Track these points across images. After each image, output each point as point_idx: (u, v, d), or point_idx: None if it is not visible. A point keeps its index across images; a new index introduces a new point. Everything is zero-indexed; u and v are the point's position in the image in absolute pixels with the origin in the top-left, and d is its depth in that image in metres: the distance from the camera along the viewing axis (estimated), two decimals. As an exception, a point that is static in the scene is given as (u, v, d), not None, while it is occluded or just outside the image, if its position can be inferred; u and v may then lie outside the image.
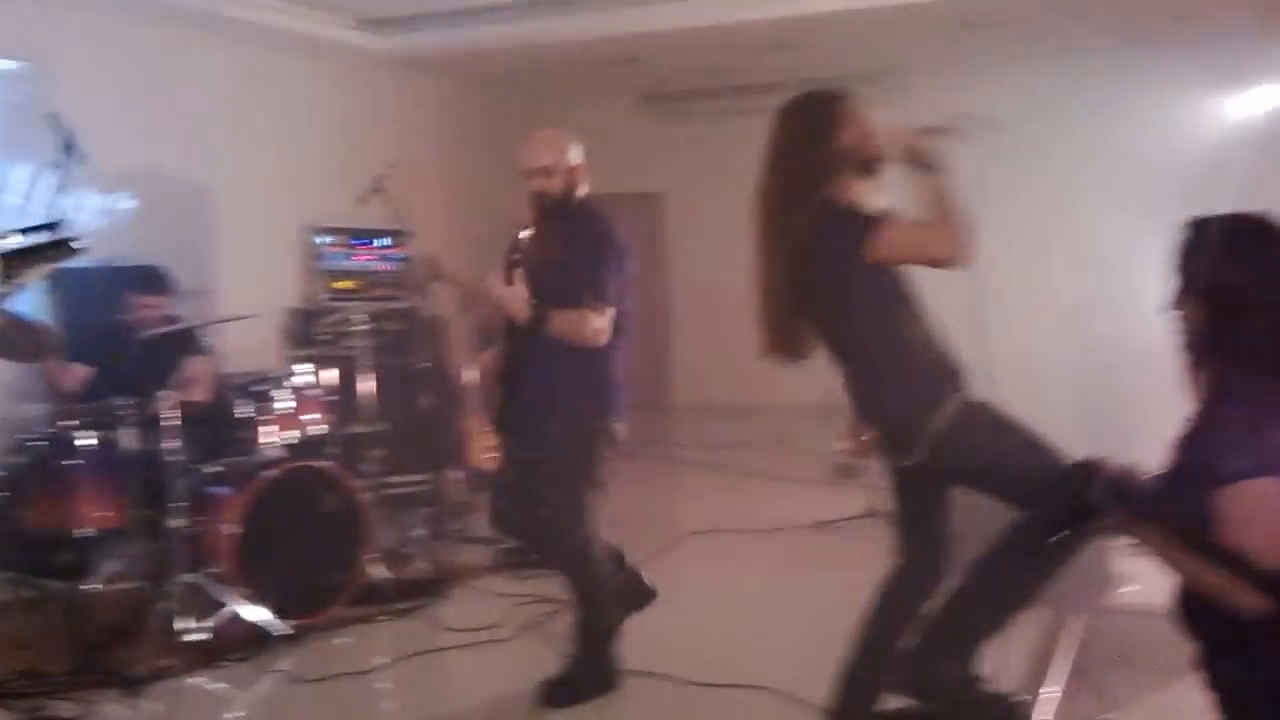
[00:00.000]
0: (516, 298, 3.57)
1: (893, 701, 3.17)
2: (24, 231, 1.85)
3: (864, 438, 3.19)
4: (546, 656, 4.18)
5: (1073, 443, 2.77)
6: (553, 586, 4.93)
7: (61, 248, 1.90)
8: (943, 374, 2.96)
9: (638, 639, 4.01)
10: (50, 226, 1.90)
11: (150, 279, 5.16)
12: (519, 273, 3.57)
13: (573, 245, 3.70)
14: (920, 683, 3.16)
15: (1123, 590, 4.02)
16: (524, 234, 3.73)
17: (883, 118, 3.19)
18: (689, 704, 3.78)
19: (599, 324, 3.62)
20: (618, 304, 3.69)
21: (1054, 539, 2.84)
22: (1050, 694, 3.51)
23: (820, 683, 3.34)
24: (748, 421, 8.81)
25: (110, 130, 5.45)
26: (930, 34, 7.78)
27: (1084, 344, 7.82)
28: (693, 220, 9.91)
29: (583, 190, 3.80)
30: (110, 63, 6.18)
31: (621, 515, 6.32)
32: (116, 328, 5.02)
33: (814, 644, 3.73)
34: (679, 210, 10.15)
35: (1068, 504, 2.56)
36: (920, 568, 3.21)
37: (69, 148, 4.25)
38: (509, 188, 9.15)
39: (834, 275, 2.96)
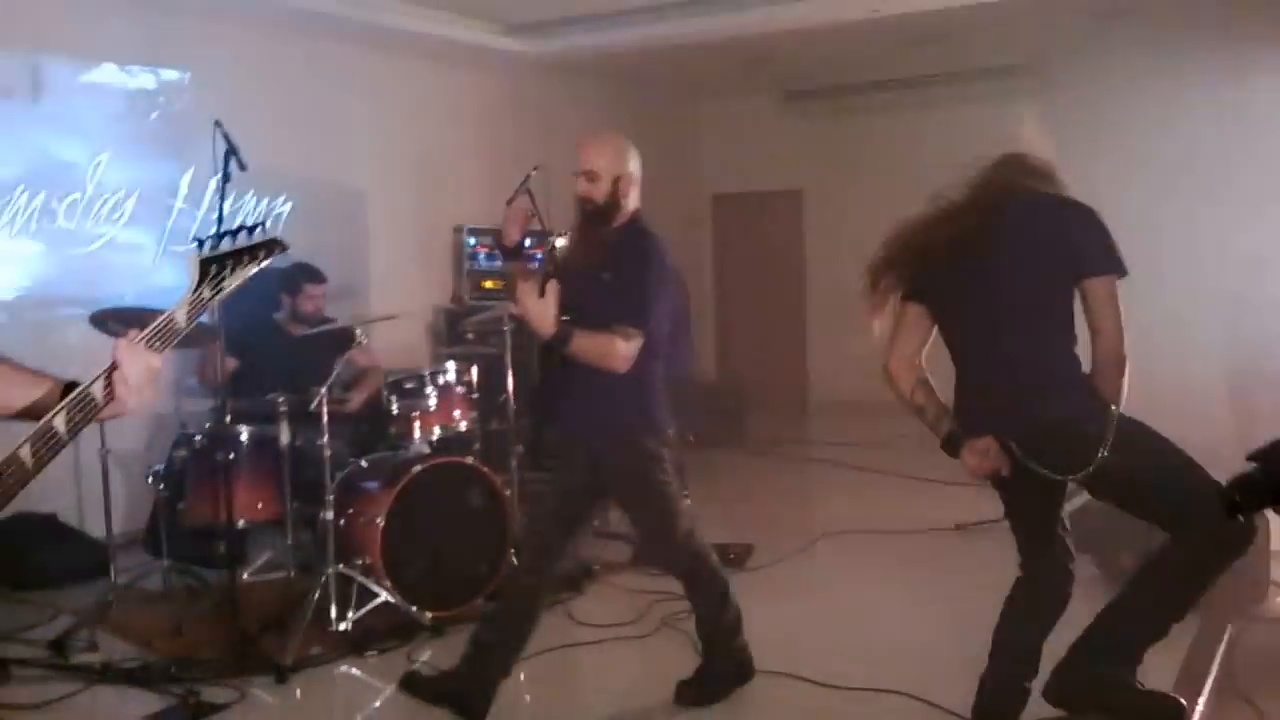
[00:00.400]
0: (544, 312, 3.25)
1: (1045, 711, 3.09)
2: (231, 234, 1.92)
3: (994, 447, 3.06)
4: (681, 654, 4.20)
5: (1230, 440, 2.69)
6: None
7: (270, 248, 1.96)
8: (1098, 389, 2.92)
9: (772, 639, 3.98)
10: (255, 228, 1.96)
11: (308, 272, 5.39)
12: (552, 284, 3.28)
13: (618, 261, 3.49)
14: (1076, 692, 3.09)
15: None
16: (560, 242, 3.67)
17: (1029, 111, 3.11)
18: (823, 706, 3.73)
19: (625, 351, 3.35)
20: (657, 329, 3.45)
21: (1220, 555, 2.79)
22: (1200, 703, 3.38)
23: (960, 690, 3.26)
24: (885, 421, 8.63)
25: (268, 136, 5.68)
26: (1078, 24, 7.51)
27: (1238, 339, 7.49)
28: (832, 217, 9.78)
29: (632, 202, 3.61)
30: (266, 71, 6.44)
31: (756, 515, 6.34)
32: (271, 325, 5.23)
33: (954, 650, 3.65)
34: (817, 208, 10.03)
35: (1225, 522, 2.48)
36: (1048, 575, 3.17)
37: (231, 154, 4.43)
38: (651, 188, 9.22)
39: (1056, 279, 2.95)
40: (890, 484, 7.03)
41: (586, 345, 3.34)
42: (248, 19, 6.25)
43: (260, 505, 4.69)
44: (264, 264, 1.96)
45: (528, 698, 4.09)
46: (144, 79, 6.00)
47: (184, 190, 6.09)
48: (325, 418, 4.46)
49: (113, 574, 4.72)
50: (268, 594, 4.69)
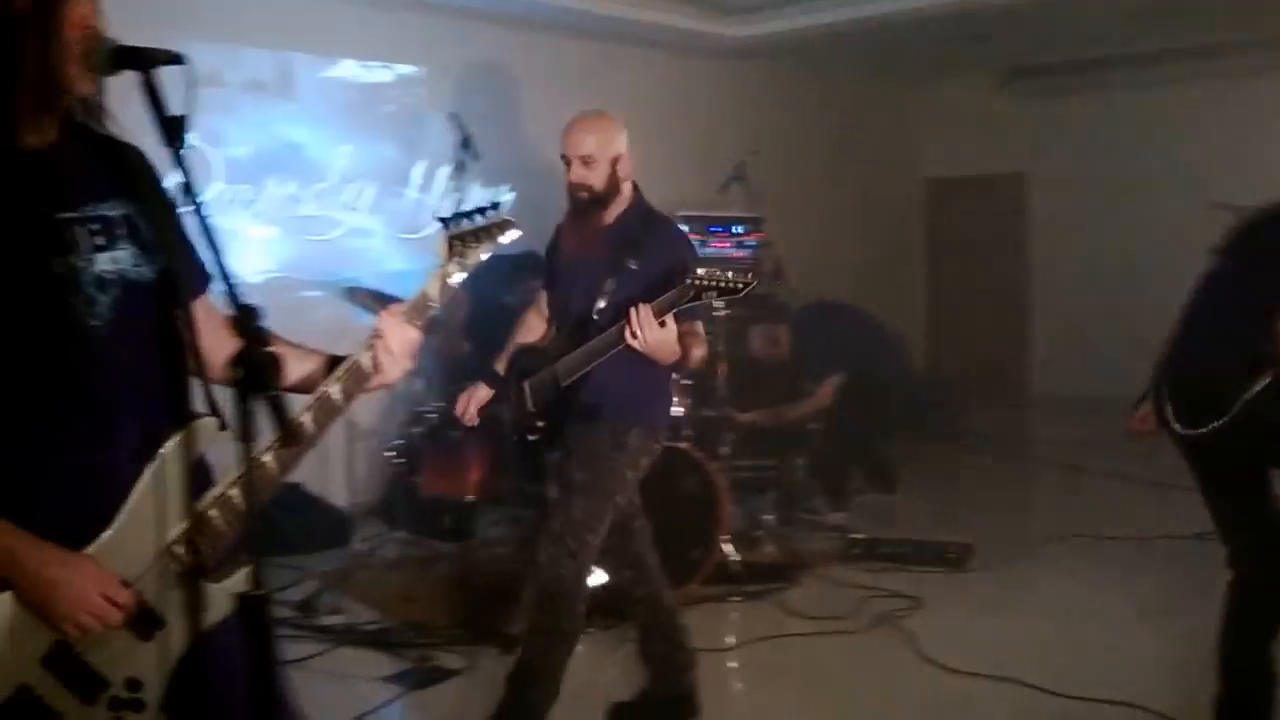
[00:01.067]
0: (667, 339, 3.01)
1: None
2: (470, 215, 2.05)
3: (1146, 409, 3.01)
4: (897, 651, 4.16)
5: None
6: (906, 581, 4.92)
7: (505, 228, 2.08)
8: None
9: (989, 642, 3.90)
10: (490, 208, 2.08)
11: (530, 260, 5.57)
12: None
13: (639, 247, 3.26)
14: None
15: None
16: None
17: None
18: (1041, 711, 3.63)
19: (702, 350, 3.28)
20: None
21: None
22: None
23: (1197, 706, 3.11)
24: (1116, 420, 8.24)
25: (491, 128, 5.90)
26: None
27: None
28: (1056, 202, 9.39)
29: (628, 185, 3.43)
30: (489, 65, 6.68)
31: (973, 515, 6.17)
32: (506, 310, 5.43)
33: (1190, 665, 3.48)
34: (1041, 192, 9.64)
35: None
36: (1258, 572, 2.98)
37: (466, 144, 4.61)
38: (862, 173, 9.07)
39: None
40: (1119, 488, 6.69)
41: (662, 337, 3.01)
42: (473, 15, 6.48)
43: (486, 481, 4.90)
44: (503, 241, 2.09)
45: (737, 685, 4.13)
46: (381, 74, 6.32)
47: (415, 180, 6.39)
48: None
49: (352, 542, 5.02)
50: (495, 566, 4.90)
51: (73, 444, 1.63)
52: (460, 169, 4.75)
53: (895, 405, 6.81)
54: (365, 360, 1.87)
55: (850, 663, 4.18)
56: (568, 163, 3.34)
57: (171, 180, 1.63)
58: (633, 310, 2.98)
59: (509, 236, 2.07)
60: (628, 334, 2.97)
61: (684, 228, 6.90)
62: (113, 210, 1.69)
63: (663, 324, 2.96)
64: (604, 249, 3.30)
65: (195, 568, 1.70)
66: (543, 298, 3.59)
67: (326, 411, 1.84)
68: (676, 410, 5.06)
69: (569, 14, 6.68)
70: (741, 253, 7.10)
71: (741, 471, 5.94)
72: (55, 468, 1.62)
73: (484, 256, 2.04)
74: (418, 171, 6.41)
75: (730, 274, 3.02)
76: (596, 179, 3.32)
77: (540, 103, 6.90)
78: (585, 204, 3.33)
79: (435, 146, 6.27)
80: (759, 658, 4.23)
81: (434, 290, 1.98)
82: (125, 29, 5.04)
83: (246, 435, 1.55)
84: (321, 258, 5.99)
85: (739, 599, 4.77)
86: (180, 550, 1.69)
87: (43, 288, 1.59)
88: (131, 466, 1.67)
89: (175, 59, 1.61)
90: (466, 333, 4.93)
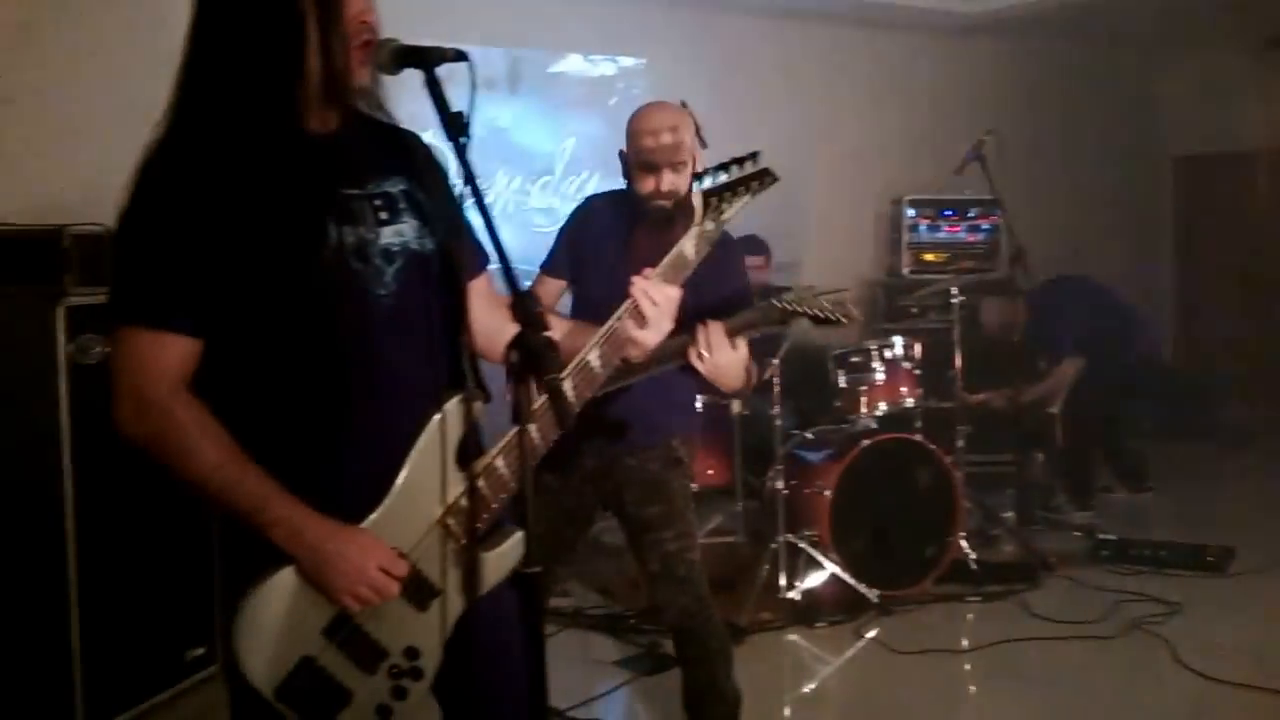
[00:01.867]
0: (736, 361, 2.44)
1: None
2: (725, 167, 1.99)
3: None
4: (1152, 660, 3.86)
5: None
6: (1161, 585, 4.57)
7: (764, 178, 2.02)
8: None
9: (1247, 649, 3.59)
10: (749, 159, 2.02)
11: (749, 243, 5.50)
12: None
13: (730, 273, 2.84)
14: None
15: None
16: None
17: None
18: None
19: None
20: None
21: None
22: None
23: None
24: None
25: (714, 115, 5.82)
26: None
27: None
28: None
29: None
30: (710, 53, 6.61)
31: (1235, 516, 5.69)
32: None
33: None
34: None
35: None
36: None
37: (695, 132, 4.56)
38: (1104, 152, 8.55)
39: None
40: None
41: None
42: (694, 4, 6.44)
43: (711, 471, 4.85)
44: (757, 194, 2.00)
45: (972, 689, 3.93)
46: (605, 67, 6.37)
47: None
48: (777, 388, 4.50)
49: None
50: (718, 558, 4.83)
51: (356, 410, 1.67)
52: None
53: (1145, 395, 6.36)
54: (624, 324, 1.86)
55: (1101, 669, 3.90)
56: (648, 167, 2.76)
57: (453, 172, 1.68)
58: (701, 326, 2.38)
59: (764, 188, 1.99)
60: (693, 353, 2.39)
61: (914, 211, 6.78)
62: (394, 186, 1.75)
63: (734, 346, 2.43)
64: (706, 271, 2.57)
65: (469, 537, 1.72)
66: (546, 284, 2.95)
67: (586, 380, 1.85)
68: (908, 401, 4.88)
69: (794, -1, 6.57)
70: (975, 236, 6.80)
71: (977, 466, 5.68)
72: (337, 435, 1.66)
73: (737, 210, 1.98)
74: (640, 161, 6.42)
75: (826, 301, 2.51)
76: (683, 184, 2.75)
77: (762, 89, 6.81)
78: (666, 218, 2.74)
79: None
80: (999, 660, 4.00)
81: (690, 249, 1.93)
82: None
83: (522, 419, 1.57)
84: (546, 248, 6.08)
85: (977, 599, 4.53)
86: (453, 521, 1.72)
87: (334, 258, 1.64)
88: (408, 435, 1.69)
89: (459, 56, 1.65)
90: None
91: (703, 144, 4.88)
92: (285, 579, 1.61)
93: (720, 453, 4.84)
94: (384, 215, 1.71)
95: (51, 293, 3.19)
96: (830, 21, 7.02)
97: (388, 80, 1.73)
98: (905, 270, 6.78)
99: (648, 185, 2.76)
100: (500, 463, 1.74)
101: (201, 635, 3.61)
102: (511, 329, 1.57)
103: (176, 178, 1.59)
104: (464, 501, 1.71)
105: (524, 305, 1.57)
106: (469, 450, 1.74)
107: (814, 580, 4.43)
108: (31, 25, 4.53)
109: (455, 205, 1.81)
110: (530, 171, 6.01)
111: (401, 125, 1.81)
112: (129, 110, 4.43)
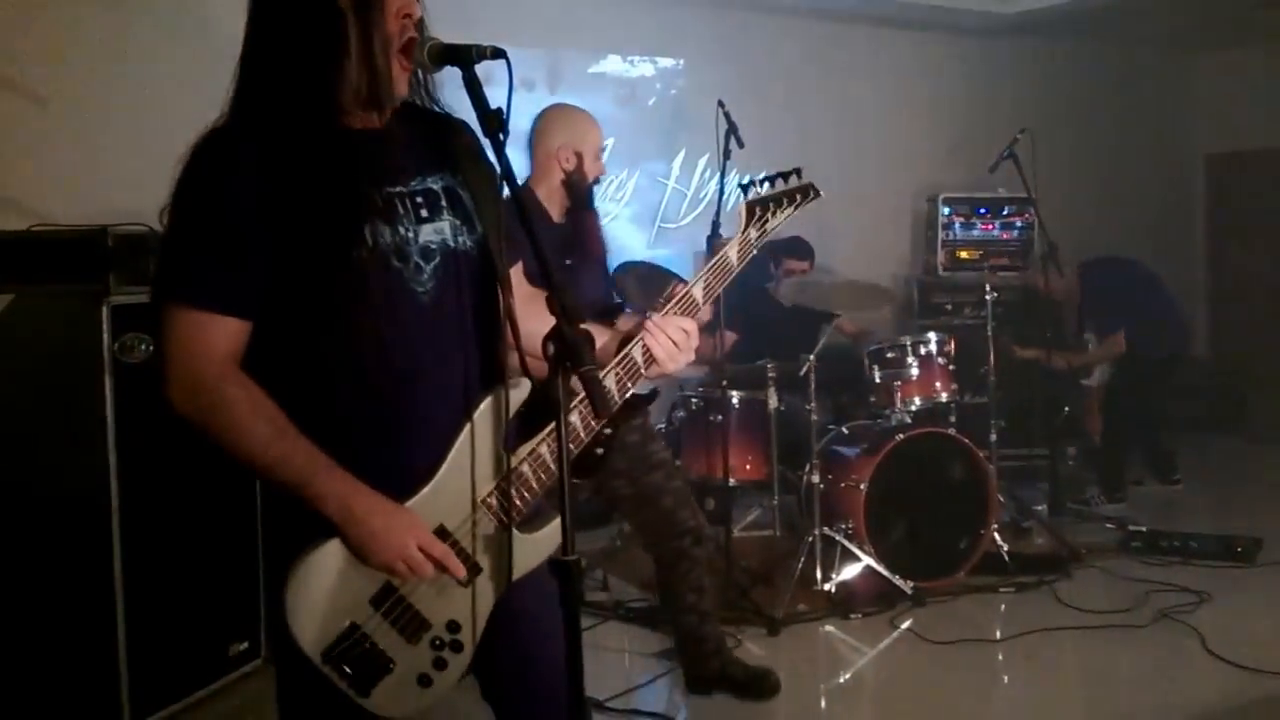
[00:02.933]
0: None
1: None
2: (770, 179, 2.06)
3: None
4: (1182, 650, 3.92)
5: None
6: (1191, 576, 4.62)
7: (808, 193, 2.09)
8: None
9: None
10: (793, 173, 2.09)
11: (795, 246, 5.58)
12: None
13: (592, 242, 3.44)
14: None
15: None
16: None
17: None
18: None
19: None
20: None
21: None
22: None
23: None
24: None
25: (750, 116, 5.88)
26: None
27: None
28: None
29: None
30: (746, 53, 6.67)
31: (1263, 507, 5.70)
32: (763, 295, 5.43)
33: None
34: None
35: None
36: None
37: (731, 132, 4.65)
38: (1135, 149, 8.52)
39: None
40: None
41: None
42: (734, 5, 6.50)
43: (748, 466, 4.93)
44: (801, 206, 2.07)
45: (1005, 678, 3.99)
46: (644, 68, 6.45)
47: (675, 171, 6.48)
48: (813, 384, 4.58)
49: (618, 522, 5.15)
50: (755, 550, 4.92)
51: (396, 401, 1.73)
52: (727, 156, 4.79)
53: (1177, 388, 6.39)
54: (637, 354, 1.89)
55: (1133, 658, 3.97)
56: (580, 157, 3.30)
57: (497, 163, 1.71)
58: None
59: (808, 202, 2.07)
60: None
61: (949, 209, 6.81)
62: (436, 184, 1.80)
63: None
64: (599, 239, 3.40)
65: (508, 519, 1.78)
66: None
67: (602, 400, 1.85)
68: (942, 396, 4.93)
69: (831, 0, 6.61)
70: (1009, 234, 6.84)
71: (1010, 460, 5.74)
72: (378, 425, 1.72)
73: (781, 222, 2.04)
74: (677, 162, 6.50)
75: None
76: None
77: (797, 89, 6.86)
78: (591, 194, 3.36)
79: (694, 137, 6.33)
80: (1031, 649, 4.07)
81: (734, 255, 2.00)
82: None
83: (560, 408, 1.62)
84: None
85: (1010, 590, 4.59)
86: (494, 502, 1.78)
87: (373, 257, 1.69)
88: (451, 423, 1.76)
89: (497, 54, 1.70)
90: (732, 321, 4.94)
91: (739, 144, 4.99)
92: (335, 549, 1.69)
93: (757, 448, 4.92)
94: (424, 213, 1.76)
95: (96, 292, 3.23)
96: (865, 22, 7.07)
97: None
98: (940, 268, 6.83)
99: (586, 168, 3.32)
100: (544, 449, 1.80)
101: (245, 630, 3.67)
102: (535, 322, 1.64)
103: (229, 165, 1.65)
104: (507, 485, 1.78)
105: (560, 298, 1.61)
106: (513, 436, 1.80)
107: (849, 573, 4.50)
108: (77, 25, 4.64)
109: (497, 199, 1.85)
110: (569, 172, 6.08)
111: (451, 113, 1.85)
112: (172, 111, 4.58)
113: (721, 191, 4.86)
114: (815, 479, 4.52)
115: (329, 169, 1.67)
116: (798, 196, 2.06)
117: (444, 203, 1.79)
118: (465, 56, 1.70)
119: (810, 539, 4.49)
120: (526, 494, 1.81)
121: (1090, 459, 6.07)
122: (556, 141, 3.29)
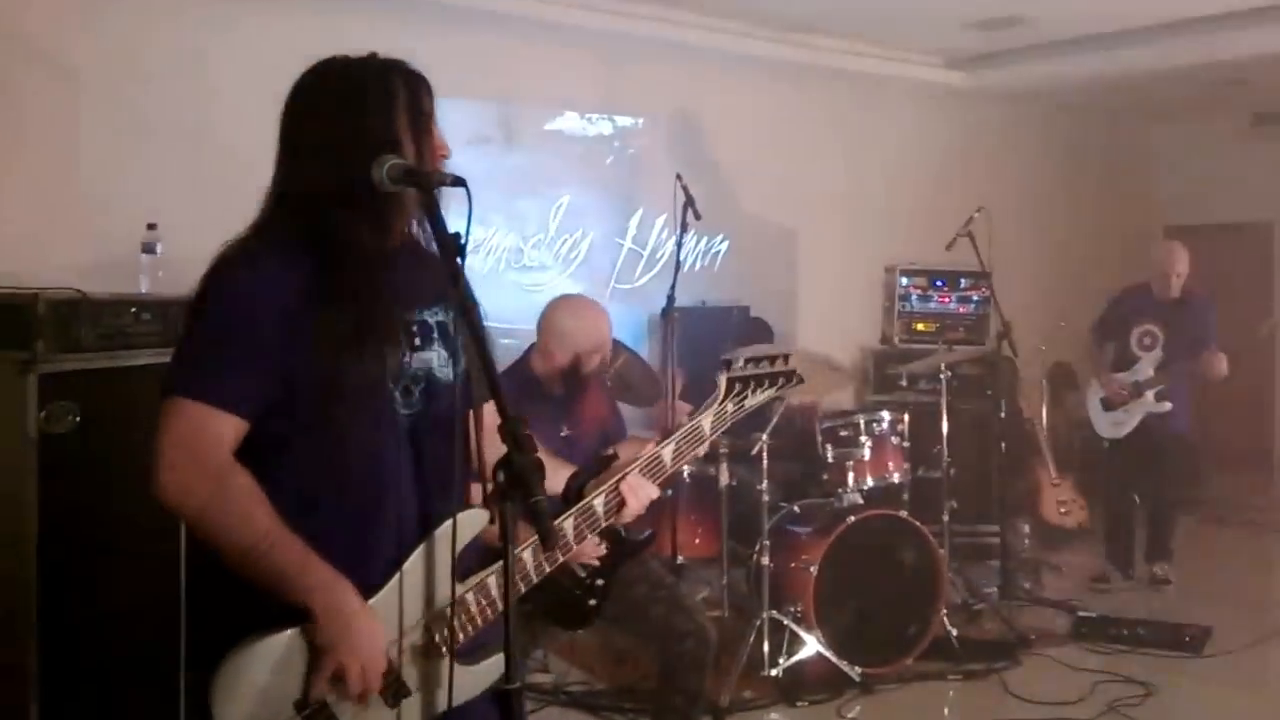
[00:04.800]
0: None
1: None
2: (756, 360, 2.16)
3: None
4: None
5: None
6: (1140, 665, 4.70)
7: (790, 378, 2.18)
8: None
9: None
10: (781, 357, 2.19)
11: (756, 332, 5.65)
12: None
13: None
14: None
15: None
16: None
17: None
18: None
19: None
20: None
21: None
22: None
23: None
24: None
25: (708, 177, 5.98)
26: None
27: None
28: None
29: None
30: (705, 113, 6.77)
31: (1215, 593, 5.82)
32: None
33: None
34: (1292, 241, 9.06)
35: None
36: None
37: (689, 205, 4.74)
38: (1097, 221, 8.72)
39: None
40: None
41: None
42: (692, 66, 6.60)
43: (697, 541, 4.96)
44: (781, 390, 2.18)
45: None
46: (602, 126, 6.52)
47: (632, 231, 6.54)
48: (765, 461, 4.63)
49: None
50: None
51: (367, 514, 1.84)
52: (684, 230, 4.88)
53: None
54: (599, 506, 2.00)
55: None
56: (579, 357, 3.58)
57: (452, 288, 1.80)
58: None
59: (788, 388, 2.17)
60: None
61: (904, 280, 6.93)
62: (432, 316, 1.96)
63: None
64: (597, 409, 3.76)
65: (448, 647, 1.84)
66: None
67: (561, 545, 1.99)
68: (895, 477, 5.00)
69: (788, 65, 6.74)
70: (965, 308, 6.96)
71: (963, 537, 5.82)
72: (350, 532, 1.82)
73: (760, 402, 2.15)
74: (634, 221, 6.56)
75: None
76: None
77: (757, 152, 6.97)
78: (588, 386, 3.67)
79: (651, 197, 6.41)
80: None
81: (707, 424, 2.11)
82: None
83: (506, 536, 1.68)
84: (538, 308, 6.19)
85: (958, 678, 4.65)
86: (436, 629, 1.85)
87: (370, 378, 1.82)
88: (408, 544, 1.85)
89: (458, 181, 1.80)
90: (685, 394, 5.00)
91: (696, 216, 5.07)
92: (276, 644, 1.75)
93: (707, 523, 4.96)
94: (417, 341, 1.91)
95: (23, 359, 3.18)
96: (827, 86, 7.21)
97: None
98: (896, 339, 6.94)
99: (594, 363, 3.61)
100: (491, 581, 1.88)
101: (169, 711, 3.54)
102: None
103: (260, 278, 1.80)
104: (451, 611, 1.84)
105: (512, 427, 1.69)
106: (466, 564, 1.89)
107: (797, 656, 4.53)
108: (14, 80, 4.62)
109: (482, 336, 1.95)
110: (523, 229, 6.12)
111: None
112: (109, 179, 4.55)
113: (678, 263, 4.93)
114: (766, 561, 4.56)
115: (351, 293, 1.80)
116: (780, 380, 2.17)
117: (436, 335, 1.94)
118: (426, 180, 1.78)
119: (759, 622, 4.52)
120: (469, 625, 1.87)
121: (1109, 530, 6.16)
122: (556, 336, 3.59)
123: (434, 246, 1.80)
